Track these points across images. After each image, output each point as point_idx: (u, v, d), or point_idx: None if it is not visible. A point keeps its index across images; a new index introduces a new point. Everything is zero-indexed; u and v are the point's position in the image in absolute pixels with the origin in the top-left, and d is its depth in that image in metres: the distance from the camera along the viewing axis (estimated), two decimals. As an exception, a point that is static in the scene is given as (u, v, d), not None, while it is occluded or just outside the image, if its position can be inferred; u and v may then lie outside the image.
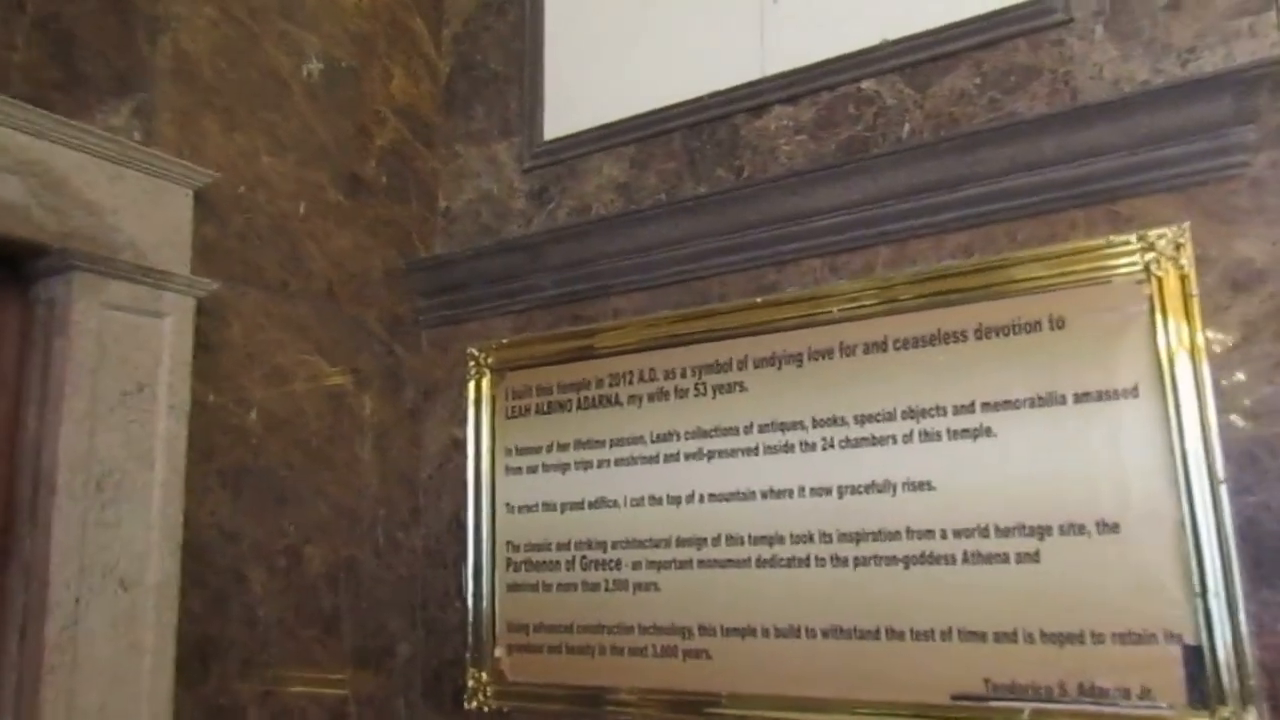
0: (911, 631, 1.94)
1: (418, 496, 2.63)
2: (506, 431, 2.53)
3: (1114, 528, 1.78)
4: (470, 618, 2.49)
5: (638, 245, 2.36)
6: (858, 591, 2.00)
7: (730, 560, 2.16)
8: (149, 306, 1.96)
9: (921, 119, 2.11)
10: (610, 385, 2.39)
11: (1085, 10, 1.96)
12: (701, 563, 2.19)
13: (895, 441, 2.01)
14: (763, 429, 2.16)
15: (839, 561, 2.03)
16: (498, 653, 2.44)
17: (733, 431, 2.20)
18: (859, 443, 2.05)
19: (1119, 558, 1.77)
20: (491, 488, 2.52)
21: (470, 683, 2.45)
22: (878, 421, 2.03)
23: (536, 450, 2.47)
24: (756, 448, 2.16)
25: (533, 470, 2.47)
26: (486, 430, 2.55)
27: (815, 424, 2.10)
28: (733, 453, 2.19)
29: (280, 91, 2.39)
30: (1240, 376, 1.72)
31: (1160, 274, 1.79)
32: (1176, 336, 1.77)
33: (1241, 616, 1.66)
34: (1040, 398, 1.87)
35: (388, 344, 2.61)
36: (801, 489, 2.09)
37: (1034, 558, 1.84)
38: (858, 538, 2.02)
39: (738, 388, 2.21)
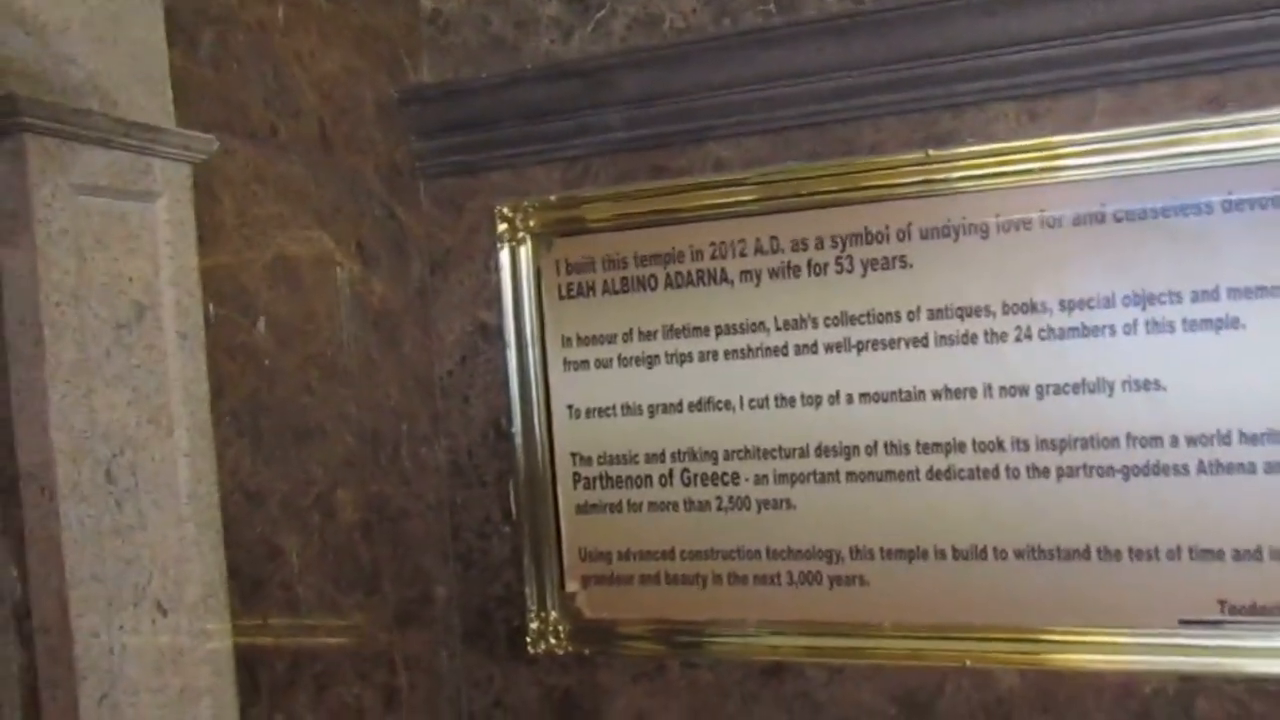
0: (1130, 551, 1.69)
1: (435, 401, 2.05)
2: (562, 315, 1.97)
3: (1386, 432, 1.57)
4: (527, 546, 2.02)
5: (755, 74, 1.80)
6: (1061, 507, 1.71)
7: (890, 472, 1.80)
8: (136, 185, 1.24)
9: (1135, -75, 1.66)
10: (714, 257, 1.88)
11: None
12: (851, 475, 1.82)
13: (1114, 333, 1.67)
14: (934, 315, 1.76)
15: (1037, 472, 1.72)
16: (570, 586, 2.00)
17: (892, 318, 1.78)
18: (1066, 334, 1.70)
19: (1391, 465, 1.57)
20: (544, 386, 1.99)
21: (534, 624, 2.01)
22: (1091, 309, 1.68)
23: (609, 339, 1.95)
24: (925, 337, 1.77)
25: (604, 365, 1.95)
26: (531, 314, 1.99)
27: (1006, 310, 1.72)
28: (893, 344, 1.79)
29: None
30: None
31: None
32: None
33: None
34: (1304, 283, 1.59)
35: (388, 205, 1.94)
36: (988, 388, 1.74)
37: (1287, 466, 1.61)
38: (1062, 445, 1.71)
39: (898, 263, 1.78)
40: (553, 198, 1.97)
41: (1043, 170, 1.70)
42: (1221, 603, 1.65)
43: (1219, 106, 1.62)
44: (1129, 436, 1.67)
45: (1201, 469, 1.64)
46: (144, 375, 1.23)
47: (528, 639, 2.02)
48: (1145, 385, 1.66)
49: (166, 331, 1.26)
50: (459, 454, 2.06)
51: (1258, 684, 1.65)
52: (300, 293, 1.66)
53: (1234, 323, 1.62)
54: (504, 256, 2.00)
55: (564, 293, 1.97)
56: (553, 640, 2.01)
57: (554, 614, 2.01)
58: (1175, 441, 1.65)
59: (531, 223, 1.98)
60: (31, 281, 1.09)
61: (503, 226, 2.00)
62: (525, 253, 1.99)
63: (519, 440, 2.01)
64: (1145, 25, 1.61)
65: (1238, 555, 1.64)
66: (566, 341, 1.98)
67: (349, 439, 1.77)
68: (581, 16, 1.97)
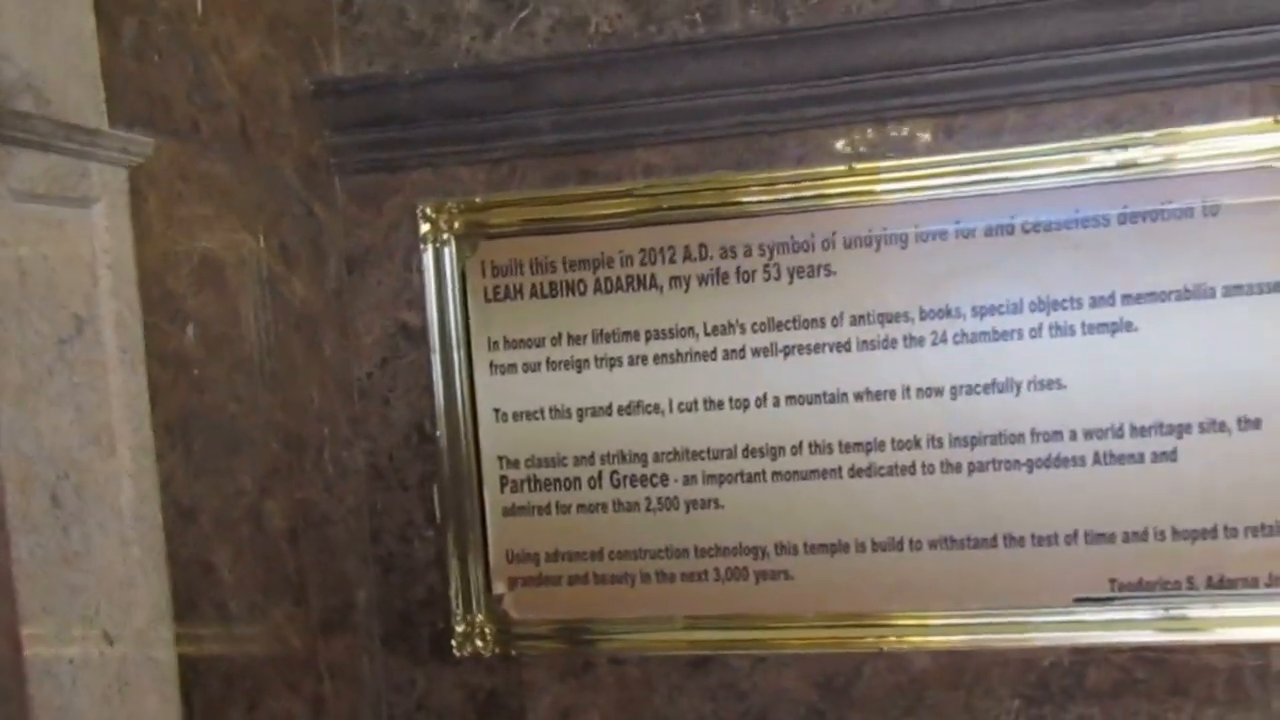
0: (1032, 537, 1.82)
1: (354, 402, 2.00)
2: (488, 318, 1.96)
3: (1256, 423, 1.74)
4: (451, 549, 2.00)
5: (685, 83, 1.83)
6: (972, 499, 1.83)
7: (814, 471, 1.87)
8: (73, 190, 1.16)
9: (1044, -51, 1.77)
10: (644, 263, 1.91)
11: None
12: (777, 475, 1.89)
13: (1021, 336, 1.80)
14: (856, 320, 1.84)
15: (950, 468, 1.84)
16: (497, 588, 1.99)
17: (817, 324, 1.86)
18: (977, 338, 1.81)
19: (1259, 453, 1.75)
20: (469, 389, 1.97)
21: (459, 627, 2.00)
22: (1001, 314, 1.80)
23: (537, 343, 1.94)
24: (848, 343, 1.85)
25: (532, 368, 1.95)
26: (455, 316, 1.96)
27: (924, 316, 1.83)
28: (817, 348, 1.86)
29: None
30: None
31: (1328, 163, 1.70)
32: (1338, 231, 1.71)
33: (1372, 505, 1.73)
34: (1188, 289, 1.74)
35: (306, 202, 1.87)
36: (906, 389, 1.83)
37: (1171, 456, 1.76)
38: (973, 441, 1.82)
39: (823, 271, 1.85)
40: (478, 199, 1.95)
41: (958, 184, 1.80)
42: (1112, 580, 1.80)
43: (1115, 126, 1.76)
44: (1033, 432, 1.80)
45: (1098, 459, 1.79)
46: (85, 392, 1.15)
47: (453, 642, 2.00)
48: (1048, 384, 1.79)
49: (107, 345, 1.18)
50: (380, 456, 2.01)
51: (1140, 652, 1.81)
52: (226, 296, 1.59)
53: (1128, 325, 1.77)
54: (427, 257, 1.96)
55: (490, 295, 1.96)
56: (479, 642, 2.00)
57: (480, 616, 2.00)
58: (1075, 435, 1.79)
59: (456, 224, 1.95)
60: (-29, 296, 1.01)
61: (426, 227, 1.96)
62: (450, 254, 1.96)
63: (444, 443, 1.98)
64: (1049, 50, 1.73)
65: (1127, 537, 1.79)
66: (493, 345, 1.96)
67: (275, 446, 1.70)
68: (503, 15, 1.95)
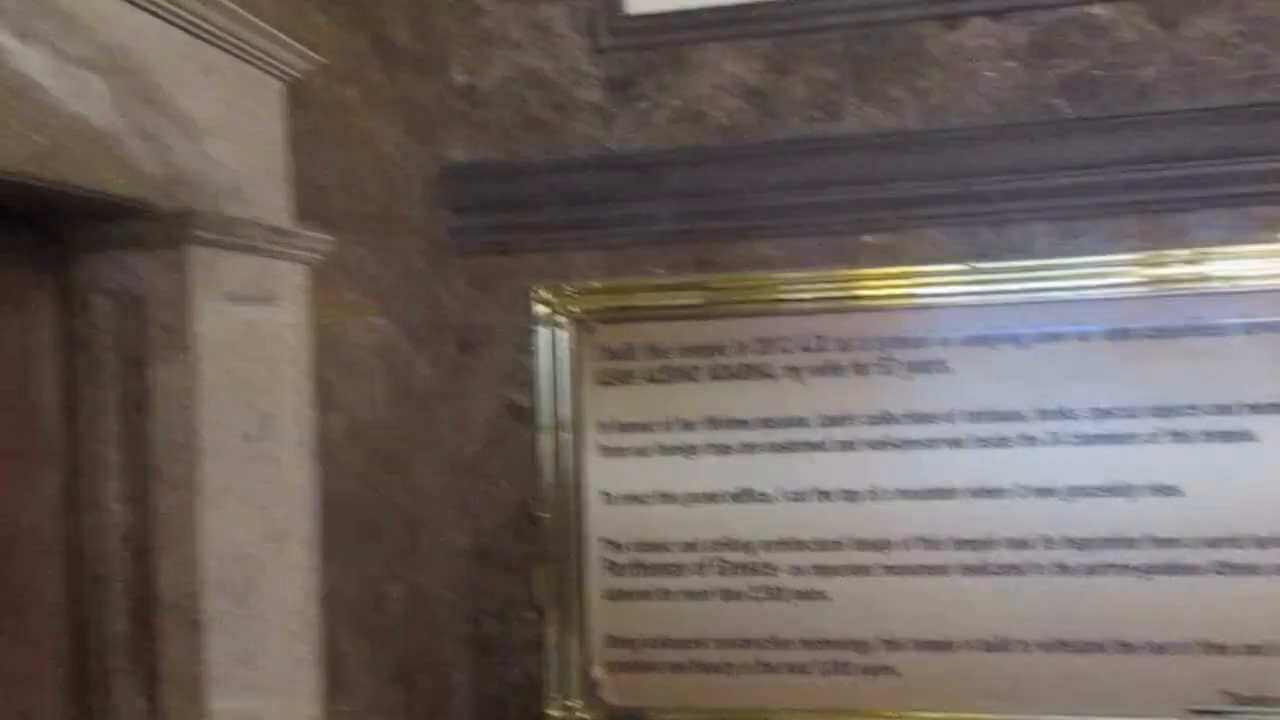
0: (1147, 645, 1.81)
1: (461, 481, 2.01)
2: (600, 402, 1.97)
3: (1375, 540, 1.75)
4: (551, 631, 1.99)
5: (805, 179, 1.87)
6: (1084, 602, 1.82)
7: (924, 566, 1.87)
8: (265, 288, 1.18)
9: (1168, 63, 1.81)
10: (759, 353, 1.92)
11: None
12: (886, 568, 1.88)
13: (1138, 440, 1.81)
14: (971, 418, 1.85)
15: (1063, 569, 1.83)
16: (596, 672, 1.98)
17: (930, 419, 1.86)
18: (1094, 440, 1.82)
19: (1379, 570, 1.74)
20: (577, 472, 1.98)
21: (555, 711, 1.98)
22: (1118, 418, 1.81)
23: (647, 428, 1.96)
24: (961, 439, 1.86)
25: (643, 453, 1.96)
26: (567, 398, 1.98)
27: (1040, 415, 1.83)
28: (930, 443, 1.87)
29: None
30: None
31: None
32: None
33: None
34: (1308, 402, 1.76)
35: (430, 284, 1.90)
36: (1020, 488, 1.84)
37: (1289, 569, 1.77)
38: (1087, 544, 1.82)
39: (938, 367, 1.87)
40: (596, 283, 1.97)
41: (1078, 286, 1.82)
42: (1227, 694, 1.79)
43: (1226, 239, 1.78)
44: (1150, 537, 1.80)
45: (1216, 569, 1.78)
46: (266, 489, 1.17)
47: (548, 726, 1.99)
48: (1165, 490, 1.79)
49: (286, 441, 1.20)
50: (483, 536, 2.01)
51: (1252, 766, 1.79)
52: (365, 382, 1.60)
53: (1246, 434, 1.77)
54: (542, 339, 1.98)
55: (603, 379, 1.97)
56: (574, 727, 1.99)
57: (575, 702, 1.98)
58: (1192, 543, 1.79)
59: (573, 306, 1.97)
60: (190, 400, 1.02)
61: (542, 309, 1.98)
62: (565, 336, 1.98)
63: (548, 525, 1.98)
64: (1171, 160, 1.76)
65: (1243, 649, 1.78)
66: (604, 427, 1.97)
67: (397, 530, 1.71)
68: (623, 105, 1.99)
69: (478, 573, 2.02)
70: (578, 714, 1.98)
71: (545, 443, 1.98)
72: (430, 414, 1.87)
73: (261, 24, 1.16)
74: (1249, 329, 1.76)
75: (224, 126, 1.12)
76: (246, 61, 1.14)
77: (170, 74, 1.01)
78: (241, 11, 1.12)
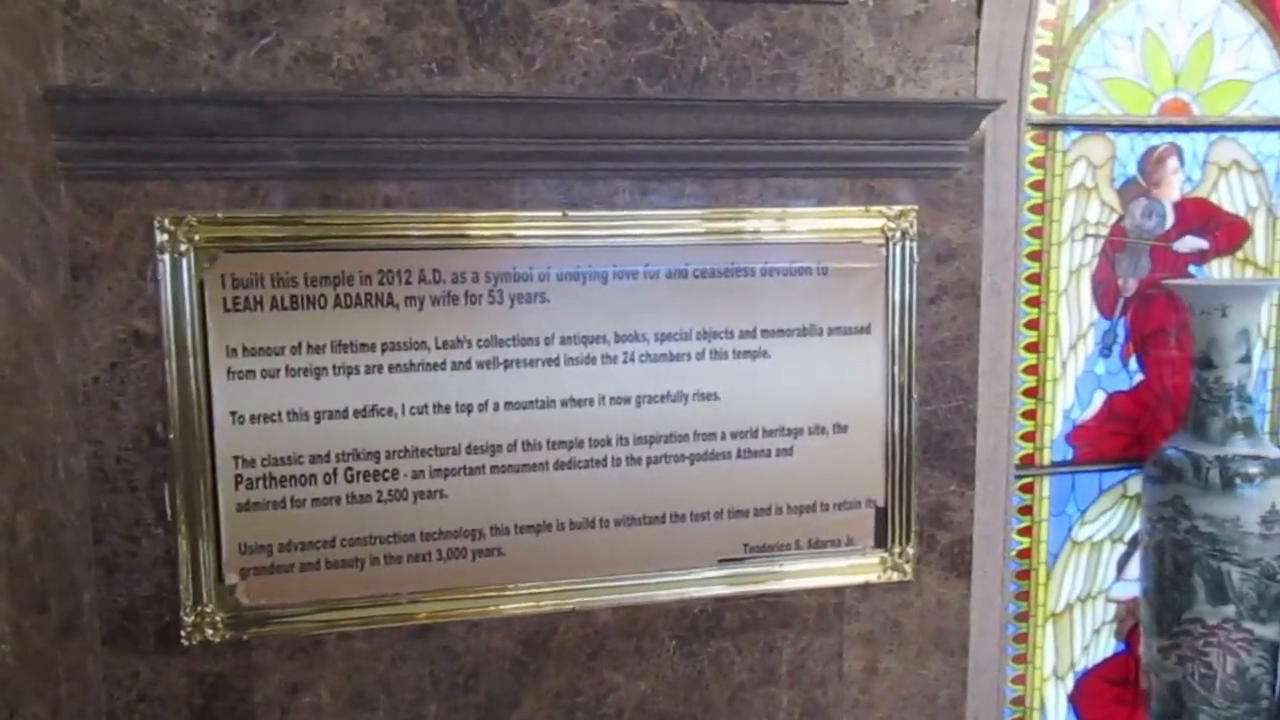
0: (691, 514, 2.34)
1: (79, 406, 2.02)
2: (227, 328, 2.07)
3: (844, 429, 2.39)
4: (183, 545, 2.10)
5: (426, 129, 2.08)
6: (648, 486, 2.31)
7: (526, 465, 2.24)
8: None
9: (718, 57, 2.26)
10: (382, 283, 2.13)
11: (857, -2, 2.31)
12: (495, 468, 2.23)
13: (689, 359, 2.29)
14: (565, 341, 2.23)
15: (633, 461, 2.29)
16: (230, 579, 2.13)
17: (532, 342, 2.21)
18: (657, 358, 2.28)
19: (845, 450, 2.40)
20: (206, 394, 2.08)
21: (189, 618, 2.11)
22: (674, 341, 2.28)
23: (277, 351, 2.10)
24: (558, 359, 2.23)
25: (271, 375, 2.10)
26: (193, 324, 2.05)
27: (618, 339, 2.25)
28: (532, 363, 2.22)
29: None
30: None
31: (896, 242, 2.36)
32: (900, 291, 2.38)
33: (911, 488, 2.45)
34: (805, 328, 2.34)
35: (39, 209, 1.86)
36: (602, 398, 2.26)
37: (788, 452, 2.37)
38: (651, 440, 2.30)
39: (538, 299, 2.21)
40: (219, 214, 2.05)
41: (649, 234, 2.24)
42: (745, 545, 2.38)
43: (760, 200, 2.30)
44: (695, 433, 2.31)
45: (739, 455, 2.34)
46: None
47: (181, 632, 2.11)
48: (707, 396, 2.31)
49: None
50: (106, 460, 2.05)
51: (761, 597, 2.41)
52: (-16, 316, 1.60)
53: (764, 353, 2.33)
54: (165, 268, 2.03)
55: (230, 306, 2.07)
56: (208, 631, 2.13)
57: (210, 606, 2.13)
58: (724, 436, 2.33)
59: (196, 236, 2.04)
60: None
61: (163, 237, 2.02)
62: (187, 265, 2.04)
63: (178, 446, 2.07)
64: (720, 137, 2.22)
65: (757, 513, 2.37)
66: (232, 352, 2.08)
67: (23, 460, 1.73)
68: (245, 40, 2.05)
69: (105, 496, 2.06)
70: (212, 617, 2.13)
71: (171, 368, 2.05)
72: (48, 343, 1.86)
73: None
74: (766, 272, 2.30)
75: None
76: None
77: None
78: None
